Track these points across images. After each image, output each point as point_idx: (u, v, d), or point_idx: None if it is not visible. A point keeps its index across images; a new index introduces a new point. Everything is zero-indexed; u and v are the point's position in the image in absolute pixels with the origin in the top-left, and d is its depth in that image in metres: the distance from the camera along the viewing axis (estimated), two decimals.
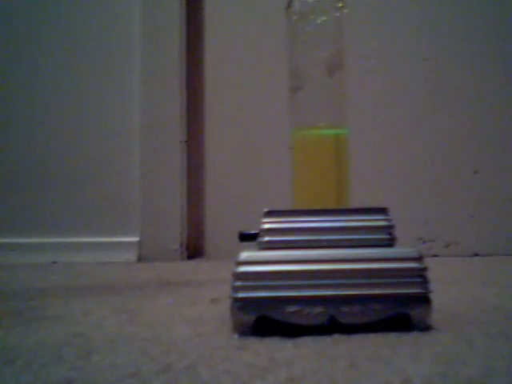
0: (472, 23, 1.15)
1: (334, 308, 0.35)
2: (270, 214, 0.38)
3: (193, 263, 1.10)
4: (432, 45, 1.16)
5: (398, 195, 1.13)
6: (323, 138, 0.41)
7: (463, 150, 1.13)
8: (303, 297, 0.35)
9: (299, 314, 0.35)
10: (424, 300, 0.35)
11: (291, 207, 0.41)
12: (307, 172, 0.41)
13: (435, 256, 1.10)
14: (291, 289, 0.35)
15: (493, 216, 1.10)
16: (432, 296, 0.35)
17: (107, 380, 0.26)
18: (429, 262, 0.36)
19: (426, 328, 0.35)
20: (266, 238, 0.37)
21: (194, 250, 1.20)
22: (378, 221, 0.37)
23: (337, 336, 0.34)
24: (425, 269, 0.36)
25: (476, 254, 1.10)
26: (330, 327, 0.35)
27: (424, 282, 0.35)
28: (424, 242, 1.11)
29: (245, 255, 0.36)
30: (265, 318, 0.35)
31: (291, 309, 0.35)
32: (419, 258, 0.36)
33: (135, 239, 1.16)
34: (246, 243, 0.39)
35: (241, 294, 0.35)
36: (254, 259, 0.36)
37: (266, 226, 0.38)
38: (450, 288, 0.58)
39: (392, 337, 0.34)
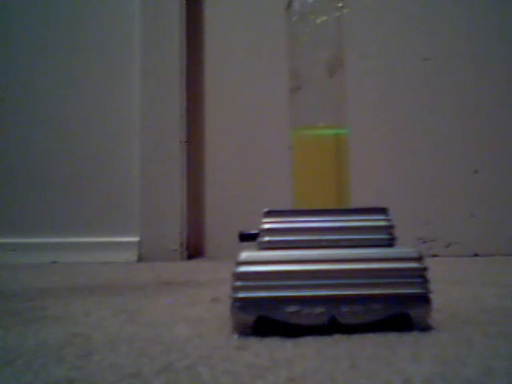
0: (472, 23, 1.15)
1: (334, 308, 0.35)
2: (270, 213, 0.38)
3: (193, 263, 1.10)
4: (432, 45, 1.16)
5: (398, 195, 1.13)
6: (323, 138, 0.41)
7: (463, 150, 1.13)
8: (303, 297, 0.35)
9: (299, 314, 0.35)
10: (424, 300, 0.35)
11: (291, 207, 0.41)
12: (307, 172, 0.41)
13: (435, 256, 1.10)
14: (291, 289, 0.35)
15: (493, 216, 1.11)
16: (432, 296, 0.35)
17: (107, 380, 0.26)
18: (429, 262, 0.36)
19: (425, 328, 0.35)
20: (266, 238, 0.37)
21: (194, 250, 1.20)
22: (378, 221, 0.37)
23: (337, 336, 0.34)
24: (425, 269, 0.36)
25: (476, 254, 1.10)
26: (331, 327, 0.35)
27: (424, 281, 0.35)
28: (424, 242, 1.11)
29: (245, 255, 0.36)
30: (265, 317, 0.35)
31: (291, 309, 0.35)
32: (419, 258, 0.36)
33: (135, 239, 1.16)
34: (246, 243, 0.39)
35: (241, 294, 0.35)
36: (254, 259, 0.36)
37: (266, 225, 0.38)
38: (450, 288, 0.58)
39: (392, 337, 0.34)
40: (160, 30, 1.19)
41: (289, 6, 0.41)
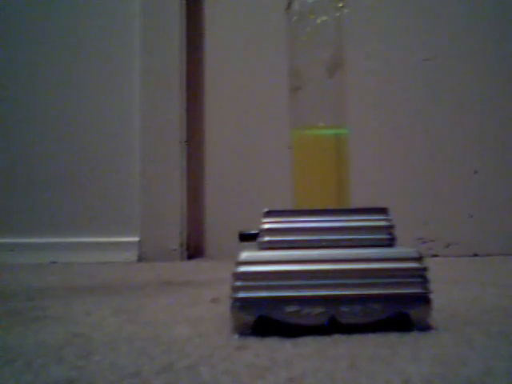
0: (472, 23, 1.15)
1: (334, 308, 0.35)
2: (270, 213, 0.38)
3: (193, 263, 1.10)
4: (432, 45, 1.16)
5: (398, 195, 1.13)
6: (323, 138, 0.41)
7: (463, 149, 1.13)
8: (303, 297, 0.35)
9: (299, 314, 0.35)
10: (424, 300, 0.35)
11: (291, 207, 0.41)
12: (307, 172, 0.41)
13: (435, 256, 1.10)
14: (291, 289, 0.35)
15: (493, 216, 1.11)
16: (432, 296, 0.35)
17: (107, 380, 0.26)
18: (429, 262, 0.36)
19: (425, 328, 0.35)
20: (266, 238, 0.37)
21: (194, 249, 1.20)
22: (378, 221, 0.37)
23: (337, 336, 0.34)
24: (425, 269, 0.36)
25: (476, 254, 1.10)
26: (330, 327, 0.35)
27: (424, 281, 0.35)
28: (424, 242, 1.11)
29: (245, 255, 0.36)
30: (265, 317, 0.35)
31: (291, 309, 0.35)
32: (419, 258, 0.36)
33: (135, 239, 1.16)
34: (246, 243, 0.39)
35: (241, 294, 0.35)
36: (254, 259, 0.36)
37: (266, 225, 0.38)
38: (449, 288, 0.58)
39: (392, 337, 0.34)
40: (160, 30, 1.19)
41: (289, 5, 0.41)
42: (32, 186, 1.21)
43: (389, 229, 0.37)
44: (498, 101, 1.13)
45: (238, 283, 0.35)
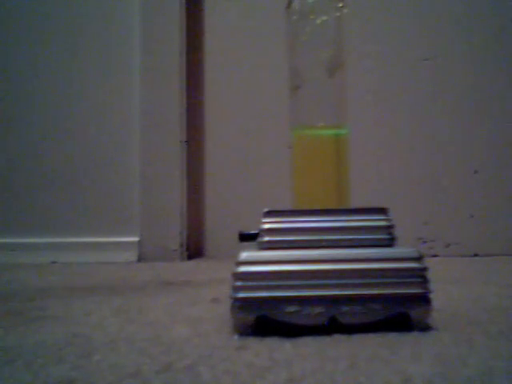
0: (472, 23, 1.15)
1: (334, 308, 0.35)
2: (270, 213, 0.38)
3: (193, 263, 1.09)
4: (432, 45, 1.16)
5: (398, 195, 1.13)
6: (323, 138, 0.41)
7: (463, 149, 1.13)
8: (303, 297, 0.35)
9: (299, 314, 0.35)
10: (424, 300, 0.35)
11: (291, 207, 0.41)
12: (307, 172, 0.41)
13: (435, 256, 1.10)
14: (291, 289, 0.35)
15: (493, 216, 1.11)
16: (432, 296, 0.35)
17: (107, 380, 0.26)
18: (429, 261, 0.36)
19: (425, 328, 0.35)
20: (266, 238, 0.37)
21: (194, 250, 1.20)
22: (378, 221, 0.37)
23: (337, 336, 0.34)
24: (425, 269, 0.36)
25: (476, 254, 1.10)
26: (330, 327, 0.35)
27: (424, 281, 0.35)
28: (424, 242, 1.11)
29: (245, 255, 0.36)
30: (265, 317, 0.35)
31: (291, 309, 0.35)
32: (419, 258, 0.36)
33: (135, 239, 1.16)
34: (246, 243, 0.39)
35: (241, 294, 0.35)
36: (254, 259, 0.36)
37: (266, 226, 0.38)
38: (449, 288, 0.58)
39: (392, 337, 0.34)
40: (160, 29, 1.19)
41: (289, 5, 0.41)
42: (32, 186, 1.21)
43: (389, 229, 0.37)
44: (498, 101, 1.13)
45: (238, 283, 0.35)
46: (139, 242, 1.16)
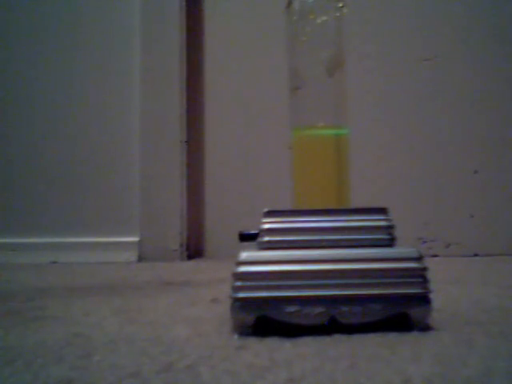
0: (472, 23, 1.15)
1: (334, 308, 0.35)
2: (269, 213, 0.38)
3: (193, 263, 1.10)
4: (432, 45, 1.16)
5: (398, 195, 1.13)
6: (323, 138, 0.41)
7: (463, 150, 1.13)
8: (303, 297, 0.35)
9: (299, 314, 0.35)
10: (424, 300, 0.35)
11: (291, 207, 0.41)
12: (307, 172, 0.41)
13: (435, 256, 1.10)
14: (291, 289, 0.35)
15: (493, 216, 1.11)
16: (432, 296, 0.35)
17: (107, 380, 0.26)
18: (429, 262, 0.36)
19: (425, 328, 0.35)
20: (266, 238, 0.37)
21: (194, 250, 1.20)
22: (378, 221, 0.37)
23: (337, 336, 0.34)
24: (425, 269, 0.36)
25: (476, 254, 1.10)
26: (330, 327, 0.35)
27: (424, 281, 0.35)
28: (424, 242, 1.11)
29: (245, 255, 0.36)
30: (265, 317, 0.35)
31: (291, 309, 0.35)
32: (419, 258, 0.36)
33: (135, 239, 1.16)
34: (246, 243, 0.39)
35: (241, 294, 0.35)
36: (254, 259, 0.36)
37: (266, 226, 0.38)
38: (449, 288, 0.58)
39: (392, 337, 0.34)
40: (160, 29, 1.19)
41: (289, 5, 0.41)
42: (32, 186, 1.21)
43: (389, 229, 0.37)
44: (498, 100, 1.13)
45: (238, 283, 0.35)
46: (139, 241, 1.16)
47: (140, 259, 1.15)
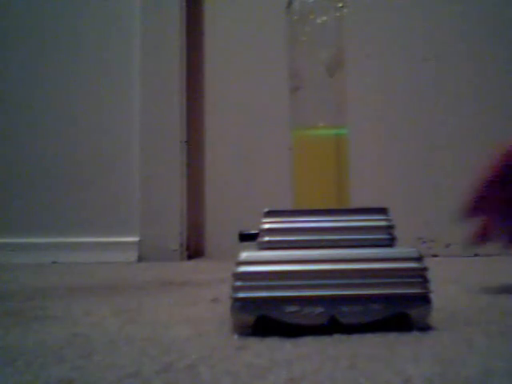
0: (472, 23, 1.15)
1: (334, 308, 0.35)
2: (270, 213, 0.38)
3: (193, 263, 1.10)
4: (432, 45, 1.16)
5: (398, 195, 1.13)
6: (323, 138, 0.41)
7: (463, 149, 1.13)
8: (303, 297, 0.35)
9: (299, 314, 0.35)
10: (424, 300, 0.35)
11: (291, 207, 0.41)
12: (307, 172, 0.41)
13: (435, 256, 1.10)
14: (291, 289, 0.35)
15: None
16: (432, 296, 0.35)
17: (107, 380, 0.26)
18: (429, 262, 0.36)
19: (425, 328, 0.35)
20: (266, 238, 0.37)
21: (194, 250, 1.20)
22: (378, 221, 0.37)
23: (337, 336, 0.34)
24: (425, 269, 0.36)
25: (476, 254, 1.10)
26: (330, 327, 0.35)
27: (424, 281, 0.35)
28: (424, 242, 1.11)
29: (245, 255, 0.36)
30: (265, 317, 0.35)
31: (291, 309, 0.35)
32: (419, 258, 0.36)
33: (135, 239, 1.16)
34: (246, 243, 0.39)
35: (241, 294, 0.35)
36: (254, 259, 0.36)
37: (266, 225, 0.38)
38: (449, 288, 0.58)
39: (392, 337, 0.34)
40: (160, 30, 1.19)
41: (289, 5, 0.41)
42: (32, 186, 1.21)
43: (389, 229, 0.37)
44: (499, 101, 1.13)
45: (238, 283, 0.35)
46: (139, 241, 1.16)
47: (140, 259, 1.15)
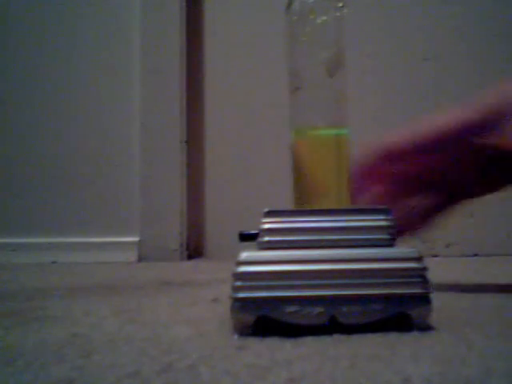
0: (472, 23, 1.15)
1: (334, 308, 0.35)
2: (270, 213, 0.38)
3: (193, 263, 1.10)
4: (432, 45, 1.16)
5: None
6: (323, 138, 0.41)
7: None
8: (303, 297, 0.35)
9: (299, 314, 0.35)
10: (424, 300, 0.35)
11: (291, 207, 0.41)
12: (307, 172, 0.41)
13: (435, 256, 1.10)
14: (291, 289, 0.35)
15: (493, 216, 1.10)
16: (432, 296, 0.35)
17: (107, 380, 0.26)
18: (429, 262, 0.36)
19: (425, 328, 0.35)
20: (266, 238, 0.37)
21: (194, 250, 1.20)
22: (378, 221, 0.37)
23: (337, 336, 0.34)
24: (425, 269, 0.36)
25: (476, 254, 1.10)
26: (331, 327, 0.35)
27: (424, 281, 0.35)
28: (424, 242, 1.11)
29: (245, 255, 0.36)
30: (265, 317, 0.35)
31: (291, 309, 0.35)
32: (419, 258, 0.36)
33: (135, 239, 1.16)
34: (246, 243, 0.39)
35: (241, 294, 0.35)
36: (254, 259, 0.36)
37: (266, 226, 0.38)
38: (449, 288, 0.58)
39: (392, 337, 0.34)
40: (160, 29, 1.19)
41: (289, 5, 0.41)
42: (32, 186, 1.21)
43: (389, 229, 0.37)
44: None
45: (238, 283, 0.35)
46: (139, 241, 1.16)
47: (140, 259, 1.15)
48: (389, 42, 1.17)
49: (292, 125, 0.41)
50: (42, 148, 1.22)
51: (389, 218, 0.38)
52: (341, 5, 0.41)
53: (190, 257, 1.17)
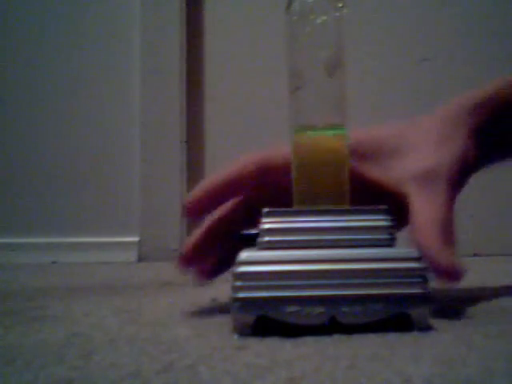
0: (471, 23, 1.15)
1: (334, 308, 0.35)
2: (270, 213, 0.38)
3: None
4: (432, 45, 1.16)
5: None
6: (323, 138, 0.41)
7: None
8: (303, 297, 0.35)
9: (299, 314, 0.35)
10: (424, 300, 0.35)
11: (291, 207, 0.41)
12: (307, 172, 0.41)
13: None
14: (291, 289, 0.35)
15: (493, 216, 1.10)
16: (432, 296, 0.35)
17: (107, 379, 0.26)
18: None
19: (426, 328, 0.35)
20: (266, 238, 0.37)
21: None
22: (378, 221, 0.37)
23: (337, 336, 0.34)
24: (425, 269, 0.36)
25: (476, 254, 1.10)
26: (331, 327, 0.35)
27: (424, 281, 0.35)
28: None
29: (245, 255, 0.36)
30: (265, 317, 0.35)
31: (291, 309, 0.35)
32: (419, 258, 0.36)
33: (135, 239, 1.16)
34: (245, 243, 0.39)
35: (241, 294, 0.35)
36: (254, 259, 0.36)
37: (266, 226, 0.38)
38: (449, 288, 0.58)
39: (392, 337, 0.34)
40: (160, 30, 1.19)
41: (289, 5, 0.41)
42: (32, 186, 1.21)
43: (389, 229, 0.37)
44: None
45: (238, 283, 0.35)
46: (139, 241, 1.16)
47: (140, 259, 1.15)
48: (389, 42, 1.17)
49: (292, 125, 0.41)
50: (42, 148, 1.22)
51: (389, 217, 0.38)
52: (341, 5, 0.40)
53: None
